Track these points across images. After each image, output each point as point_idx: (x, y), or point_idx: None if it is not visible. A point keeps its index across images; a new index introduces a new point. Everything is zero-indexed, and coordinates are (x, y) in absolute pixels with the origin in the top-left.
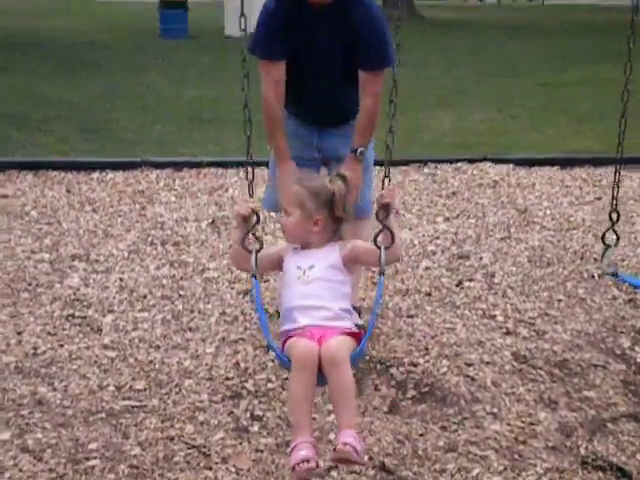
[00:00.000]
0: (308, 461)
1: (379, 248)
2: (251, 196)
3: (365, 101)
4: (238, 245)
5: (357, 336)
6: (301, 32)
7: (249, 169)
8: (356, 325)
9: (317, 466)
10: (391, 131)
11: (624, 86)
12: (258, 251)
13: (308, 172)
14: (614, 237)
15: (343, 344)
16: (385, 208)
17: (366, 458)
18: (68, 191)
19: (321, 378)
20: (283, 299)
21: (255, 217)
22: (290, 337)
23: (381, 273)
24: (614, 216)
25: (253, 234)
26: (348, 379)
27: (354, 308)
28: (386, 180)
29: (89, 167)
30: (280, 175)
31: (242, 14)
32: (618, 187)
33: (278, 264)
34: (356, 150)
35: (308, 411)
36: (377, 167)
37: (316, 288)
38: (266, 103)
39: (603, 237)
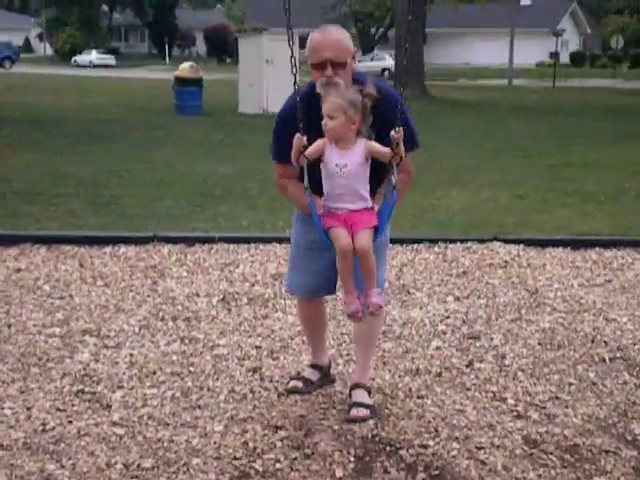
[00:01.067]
0: (357, 312)
1: (392, 166)
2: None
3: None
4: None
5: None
6: (316, 133)
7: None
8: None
9: (363, 314)
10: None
11: None
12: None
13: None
14: None
15: (368, 238)
16: (396, 141)
17: None
18: (81, 265)
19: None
20: (326, 184)
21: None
22: (330, 218)
23: (393, 187)
24: None
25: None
26: (372, 262)
27: (364, 387)
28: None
29: (102, 241)
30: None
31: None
32: None
33: (322, 153)
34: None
35: (352, 281)
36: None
37: (350, 181)
38: (281, 188)
39: None
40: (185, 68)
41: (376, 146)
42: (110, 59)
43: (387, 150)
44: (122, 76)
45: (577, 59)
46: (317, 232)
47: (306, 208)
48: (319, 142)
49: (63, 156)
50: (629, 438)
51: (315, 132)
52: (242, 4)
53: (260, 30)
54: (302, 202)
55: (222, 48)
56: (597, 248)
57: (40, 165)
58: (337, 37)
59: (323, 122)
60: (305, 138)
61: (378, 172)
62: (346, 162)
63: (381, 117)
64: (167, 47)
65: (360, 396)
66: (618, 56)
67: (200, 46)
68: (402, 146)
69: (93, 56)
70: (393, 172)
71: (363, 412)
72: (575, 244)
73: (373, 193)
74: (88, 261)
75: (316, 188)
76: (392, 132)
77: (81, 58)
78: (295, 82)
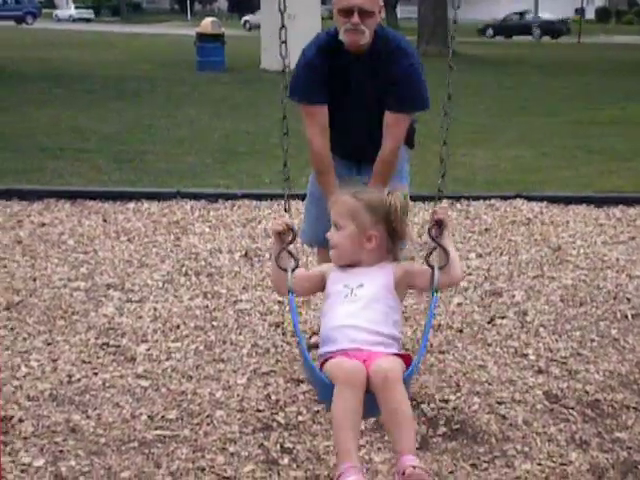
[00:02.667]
0: None
1: (432, 267)
2: (286, 211)
3: (386, 144)
4: (274, 263)
5: (406, 359)
6: (339, 76)
7: (286, 182)
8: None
9: None
10: (442, 159)
11: None
12: (294, 269)
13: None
14: None
15: (396, 363)
16: (438, 224)
17: None
18: (104, 220)
19: (370, 407)
20: (325, 322)
21: (291, 234)
22: (330, 359)
23: (435, 290)
24: None
25: (288, 251)
26: (405, 400)
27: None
28: (439, 201)
29: (125, 197)
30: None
31: (281, 54)
32: None
33: (321, 285)
34: None
35: (356, 434)
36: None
37: (365, 308)
38: (315, 149)
39: None
40: (207, 24)
41: (414, 265)
42: (89, 13)
43: (425, 268)
44: (146, 32)
45: (603, 15)
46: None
47: (325, 189)
48: (319, 268)
49: (87, 112)
50: None
51: (339, 84)
52: None
53: None
54: (327, 180)
55: (244, 4)
56: (621, 206)
57: (64, 121)
58: None
59: (328, 234)
60: (291, 221)
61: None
62: (361, 282)
63: (388, 67)
64: (189, 3)
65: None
66: None
67: (222, 2)
68: (446, 235)
69: (72, 11)
70: (433, 276)
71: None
72: (599, 201)
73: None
74: (112, 216)
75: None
76: (434, 207)
77: (61, 13)
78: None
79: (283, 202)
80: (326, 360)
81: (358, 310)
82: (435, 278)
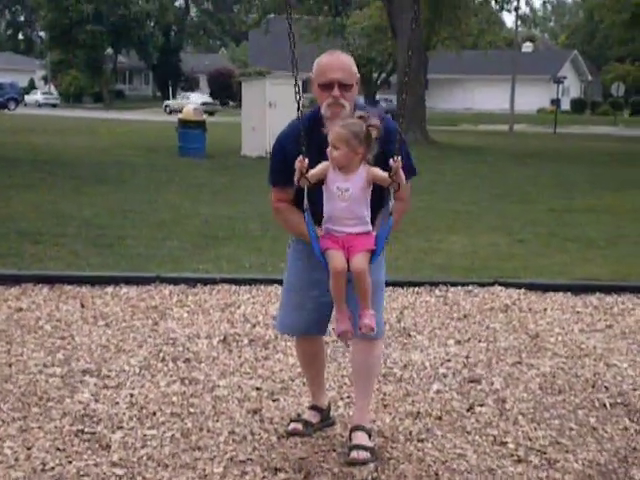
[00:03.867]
0: (347, 332)
1: (388, 191)
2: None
3: (397, 205)
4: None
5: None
6: (320, 151)
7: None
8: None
9: (352, 334)
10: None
11: None
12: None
13: None
14: None
15: (364, 259)
16: (395, 171)
17: None
18: (82, 305)
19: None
20: (327, 206)
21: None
22: (328, 240)
23: (390, 214)
24: None
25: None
26: (367, 282)
27: (364, 429)
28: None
29: (103, 281)
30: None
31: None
32: None
33: (324, 178)
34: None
35: (344, 302)
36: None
37: (350, 204)
38: (278, 212)
39: None
40: (189, 111)
41: (378, 172)
42: (54, 99)
43: (387, 176)
44: (126, 118)
45: (578, 106)
46: (314, 256)
47: (302, 234)
48: (323, 165)
49: (67, 197)
50: None
51: (316, 155)
52: (247, 48)
53: (263, 74)
54: (298, 227)
55: (225, 91)
56: (598, 293)
57: (44, 206)
58: (345, 59)
59: (328, 150)
60: (307, 160)
61: (379, 198)
62: (348, 186)
63: (381, 146)
64: (171, 90)
65: (360, 438)
66: (619, 103)
67: (204, 89)
68: (401, 173)
69: (38, 96)
70: (390, 198)
71: (363, 454)
72: (576, 289)
73: (374, 218)
74: (90, 301)
75: (315, 211)
76: (391, 160)
77: (28, 98)
78: (299, 107)
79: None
80: (327, 242)
81: (346, 206)
82: (391, 202)
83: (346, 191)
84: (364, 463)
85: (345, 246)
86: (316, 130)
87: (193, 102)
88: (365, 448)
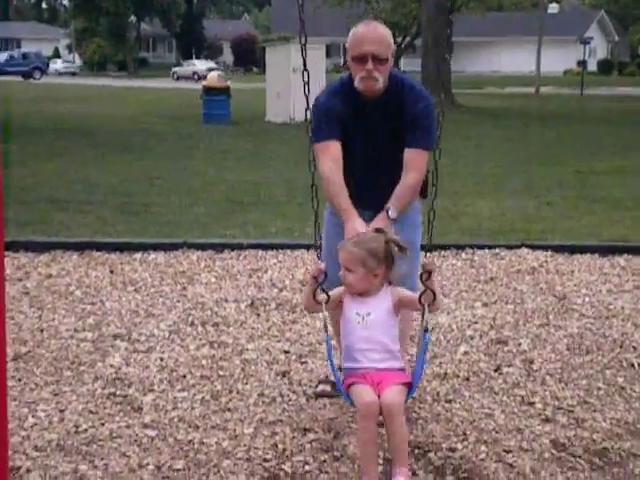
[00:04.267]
0: None
1: (423, 306)
2: (319, 258)
3: (408, 175)
4: (310, 299)
5: (407, 382)
6: (353, 120)
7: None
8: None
9: None
10: (433, 209)
11: None
12: (326, 302)
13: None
14: None
15: (399, 394)
16: (428, 272)
17: None
18: (111, 271)
19: None
20: (344, 339)
21: (323, 275)
22: (352, 377)
23: (425, 330)
24: None
25: (321, 289)
26: (403, 427)
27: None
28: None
29: (132, 248)
30: (346, 233)
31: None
32: None
33: (340, 304)
34: (388, 210)
35: (375, 454)
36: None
37: (374, 333)
38: (325, 174)
39: None
40: (213, 78)
41: (404, 293)
42: (74, 67)
43: (415, 296)
44: (150, 86)
45: (605, 67)
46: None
47: (340, 210)
48: (338, 290)
49: (93, 165)
50: None
51: (358, 127)
52: (270, 13)
53: (288, 39)
54: (340, 201)
55: (249, 58)
56: (625, 255)
57: (70, 174)
58: (381, 32)
59: (340, 273)
60: (324, 265)
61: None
62: (369, 310)
63: (403, 109)
64: (194, 57)
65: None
66: None
67: (227, 56)
68: (434, 280)
69: (58, 65)
70: (424, 313)
71: None
72: (603, 250)
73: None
74: (119, 267)
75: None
76: (423, 259)
77: (50, 67)
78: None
79: (315, 251)
80: (351, 378)
81: (370, 335)
82: (425, 316)
83: (367, 315)
84: None
85: (374, 381)
86: (351, 100)
87: (199, 68)
88: None
